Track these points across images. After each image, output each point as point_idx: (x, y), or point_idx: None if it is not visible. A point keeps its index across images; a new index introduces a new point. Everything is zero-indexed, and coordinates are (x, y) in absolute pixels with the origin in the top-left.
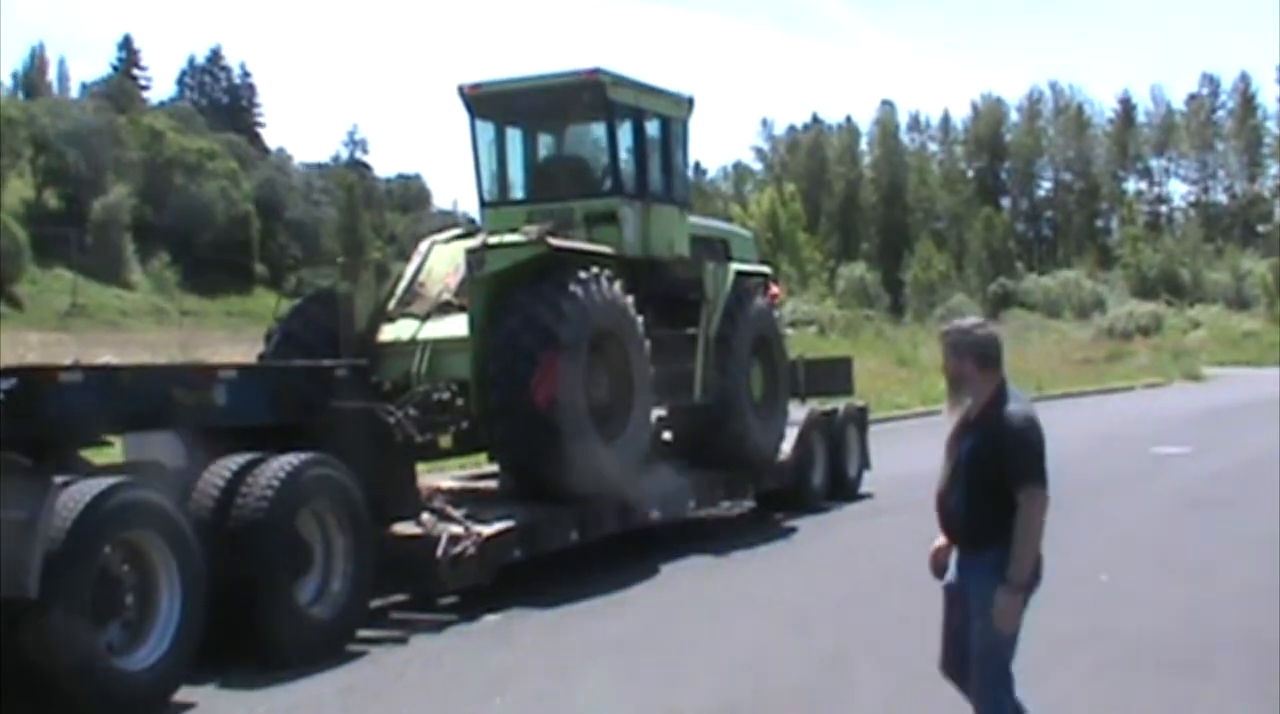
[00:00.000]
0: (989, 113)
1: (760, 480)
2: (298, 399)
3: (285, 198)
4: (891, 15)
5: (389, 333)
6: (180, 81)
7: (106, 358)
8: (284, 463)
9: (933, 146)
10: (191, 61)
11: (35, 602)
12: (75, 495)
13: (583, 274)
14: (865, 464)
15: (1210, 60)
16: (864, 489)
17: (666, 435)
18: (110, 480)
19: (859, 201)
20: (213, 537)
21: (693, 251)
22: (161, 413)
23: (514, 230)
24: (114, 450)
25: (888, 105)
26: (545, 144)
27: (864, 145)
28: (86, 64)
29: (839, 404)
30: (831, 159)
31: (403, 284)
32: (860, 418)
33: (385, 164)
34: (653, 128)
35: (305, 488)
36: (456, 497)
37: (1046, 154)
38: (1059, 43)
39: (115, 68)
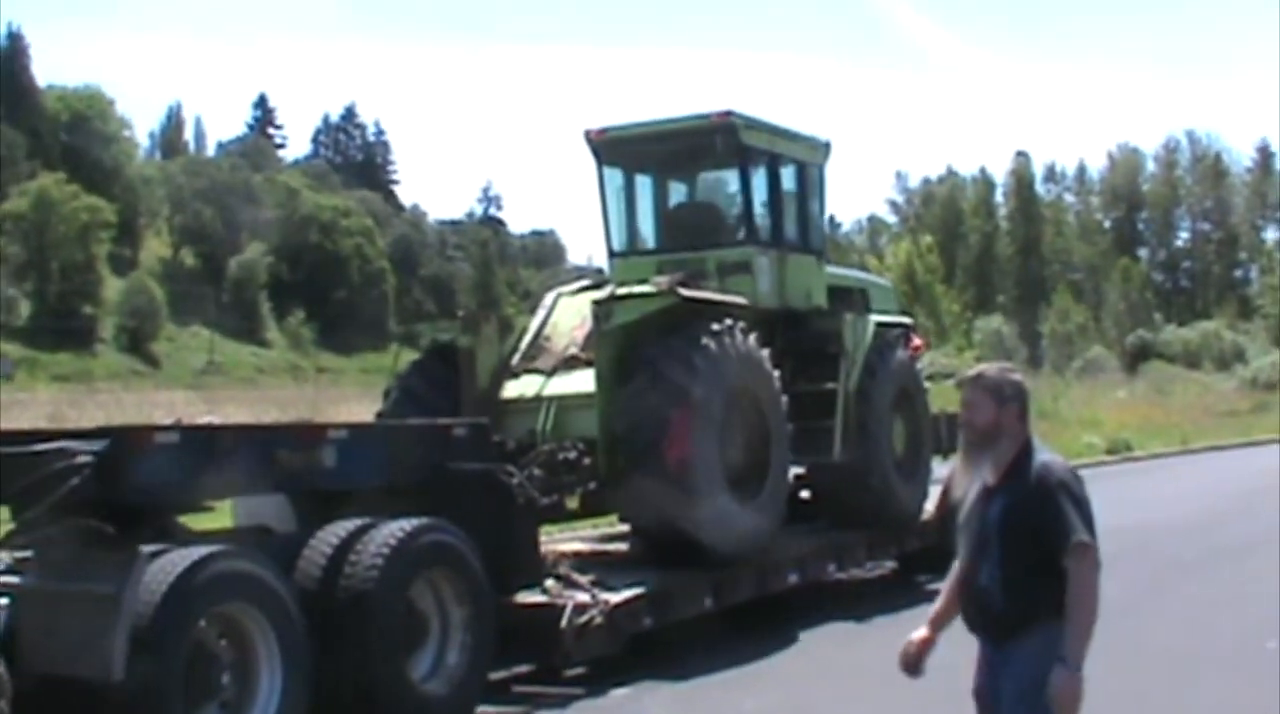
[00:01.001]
0: (1125, 163)
1: (903, 541)
2: (413, 460)
3: (420, 254)
4: (1026, 64)
5: (512, 389)
6: (315, 139)
7: (209, 418)
8: (396, 528)
9: (1069, 197)
10: (326, 119)
11: (119, 684)
12: (166, 566)
13: (715, 326)
14: None
15: None
16: None
17: (804, 494)
18: (205, 550)
19: (994, 253)
20: (319, 608)
21: (830, 302)
22: (265, 476)
23: (644, 281)
24: (222, 516)
25: (1023, 156)
26: (676, 191)
27: (999, 197)
28: (223, 123)
29: None
30: (967, 211)
31: (527, 338)
32: None
33: (519, 220)
34: (788, 173)
35: (419, 555)
36: (583, 561)
37: (1184, 204)
38: (1195, 92)
39: (251, 126)
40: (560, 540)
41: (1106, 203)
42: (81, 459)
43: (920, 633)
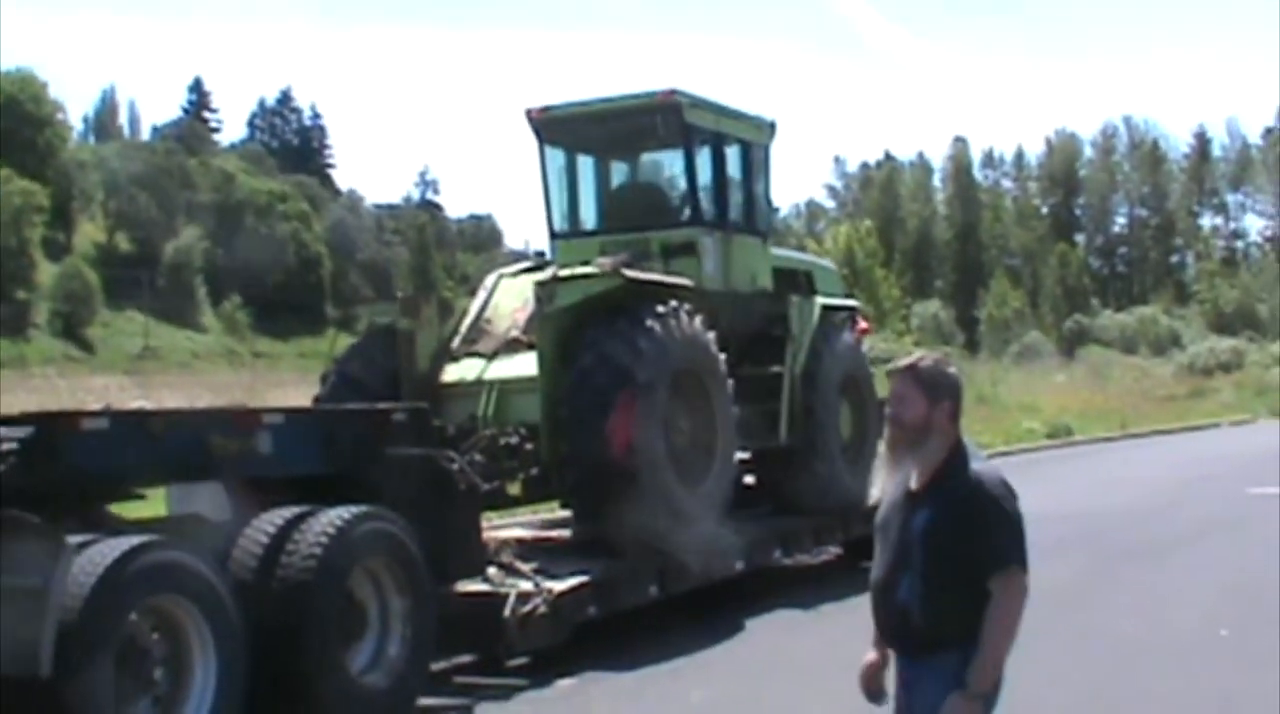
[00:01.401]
0: (1063, 149)
1: (849, 526)
2: (351, 446)
3: (357, 239)
4: (964, 51)
5: (453, 373)
6: (251, 124)
7: (140, 404)
8: (334, 516)
9: (1006, 183)
10: (262, 104)
11: (48, 680)
12: (95, 558)
13: (660, 308)
14: None
15: None
16: None
17: (749, 479)
18: (136, 539)
19: (932, 238)
20: (255, 599)
21: (775, 285)
22: (199, 463)
23: (586, 263)
24: (155, 504)
25: (961, 142)
26: (618, 171)
27: (937, 182)
28: (158, 107)
29: None
30: (905, 196)
31: (467, 321)
32: None
33: (457, 204)
34: (733, 153)
35: (358, 544)
36: (526, 549)
37: (1121, 190)
38: (1133, 78)
39: (186, 110)
40: (502, 527)
41: (1044, 188)
42: (6, 446)
43: (870, 656)
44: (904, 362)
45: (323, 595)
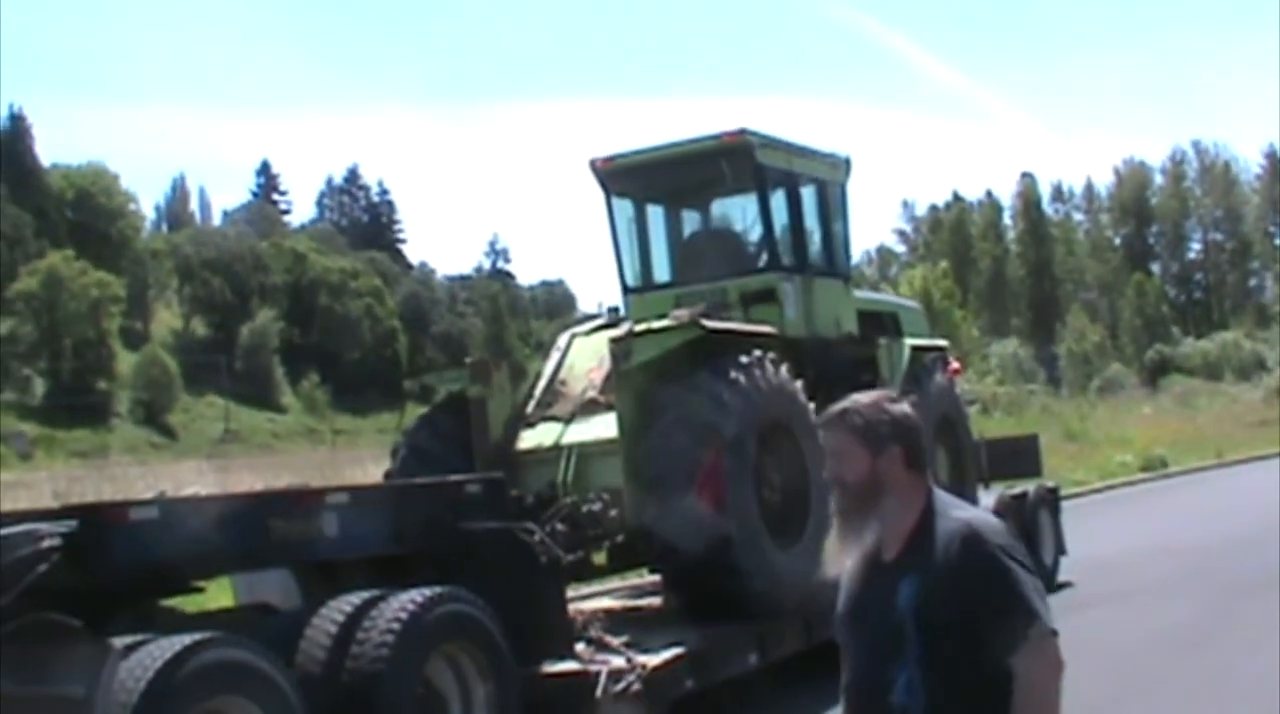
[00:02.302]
0: (1132, 177)
1: None
2: (423, 522)
3: (430, 311)
4: (1026, 88)
5: (529, 439)
6: (320, 203)
7: (194, 490)
8: (408, 600)
9: (1078, 216)
10: (330, 182)
11: None
12: (145, 661)
13: (743, 358)
14: (1061, 550)
15: None
16: (1061, 577)
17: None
18: (188, 639)
19: (1006, 277)
20: (325, 694)
21: (861, 328)
22: (259, 549)
23: (662, 317)
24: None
25: (1028, 177)
26: (690, 218)
27: (1007, 219)
28: (227, 192)
29: (1027, 486)
30: (975, 236)
31: (541, 383)
32: (1052, 500)
33: (528, 272)
34: (808, 193)
35: (435, 628)
36: (615, 621)
37: (1194, 215)
38: (1199, 101)
39: (255, 193)
40: (588, 598)
41: (1116, 219)
42: (48, 543)
43: None
44: (834, 408)
45: (398, 686)
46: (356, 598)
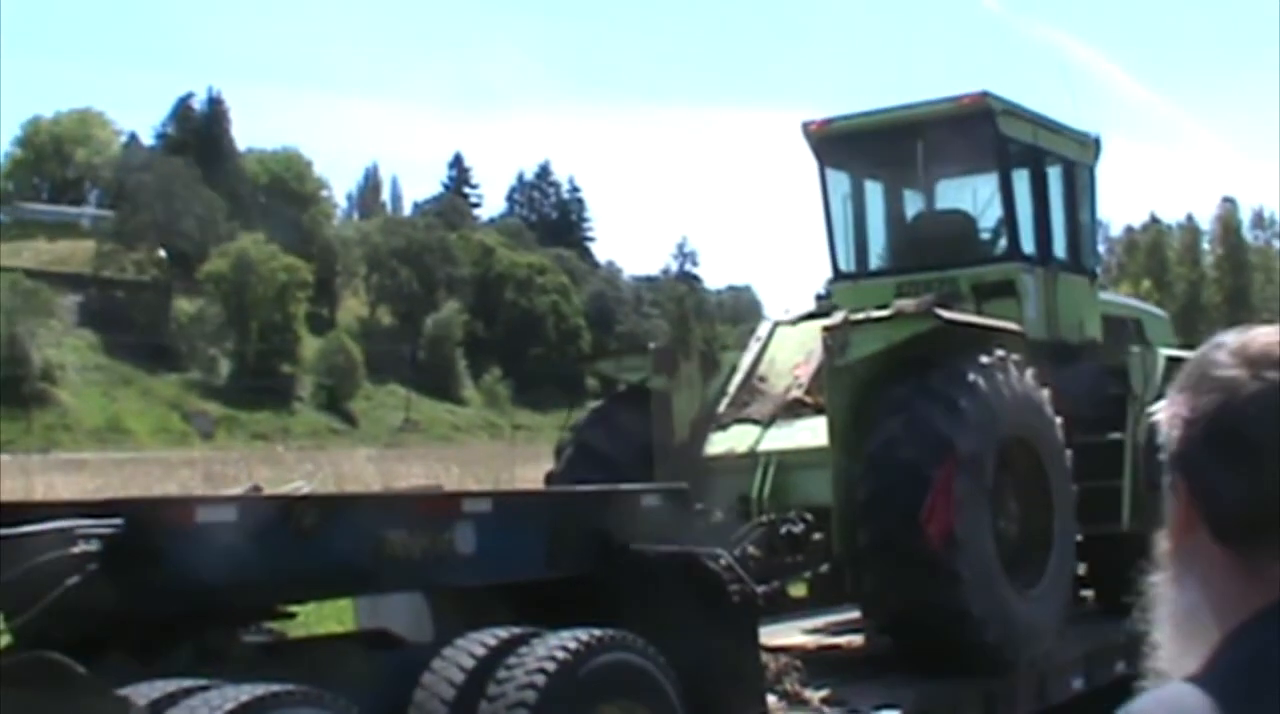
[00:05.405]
0: None
1: None
2: (584, 541)
3: (616, 311)
4: (1226, 116)
5: (719, 443)
6: (510, 198)
7: (299, 485)
8: (560, 643)
9: (1278, 244)
10: (521, 178)
11: None
12: None
13: (985, 359)
14: None
15: None
16: None
17: (1080, 569)
18: (249, 692)
19: (1202, 302)
20: None
21: (1104, 333)
22: (368, 569)
23: (883, 307)
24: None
25: (1229, 202)
26: (917, 195)
27: (1205, 244)
28: (419, 183)
29: None
30: (1172, 259)
31: (737, 379)
32: None
33: (715, 275)
34: (1054, 174)
35: (594, 681)
36: (811, 663)
37: None
38: None
39: (446, 186)
40: (776, 631)
41: None
42: (84, 547)
43: None
44: None
45: None
46: (493, 636)
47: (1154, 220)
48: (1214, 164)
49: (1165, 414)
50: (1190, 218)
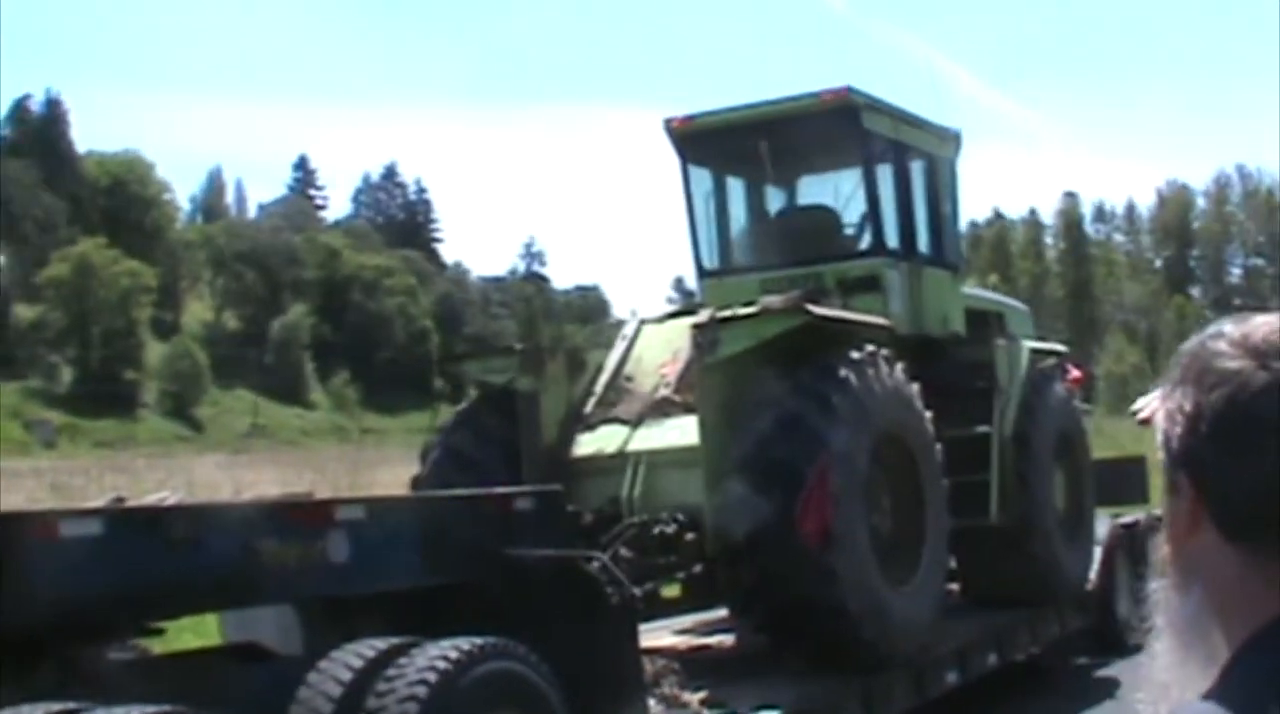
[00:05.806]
0: (1175, 200)
1: (1064, 618)
2: (459, 546)
3: (464, 312)
4: (1068, 112)
5: (587, 444)
6: (356, 199)
7: (163, 495)
8: (440, 653)
9: (1119, 237)
10: (367, 179)
11: None
12: None
13: (855, 355)
14: None
15: None
16: None
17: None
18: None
19: (1045, 296)
20: None
21: (968, 328)
22: (240, 580)
23: (749, 303)
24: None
25: (1071, 197)
26: (781, 192)
27: (1048, 238)
28: (264, 186)
29: (1138, 515)
30: (1015, 253)
31: (604, 378)
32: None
33: (563, 275)
34: (917, 169)
35: (476, 691)
36: (686, 664)
37: (1236, 240)
38: (1243, 126)
39: (292, 188)
40: (647, 633)
41: (1157, 241)
42: None
43: None
44: None
45: None
46: (371, 646)
47: (998, 216)
48: (1057, 160)
49: (1162, 410)
50: (1033, 212)
